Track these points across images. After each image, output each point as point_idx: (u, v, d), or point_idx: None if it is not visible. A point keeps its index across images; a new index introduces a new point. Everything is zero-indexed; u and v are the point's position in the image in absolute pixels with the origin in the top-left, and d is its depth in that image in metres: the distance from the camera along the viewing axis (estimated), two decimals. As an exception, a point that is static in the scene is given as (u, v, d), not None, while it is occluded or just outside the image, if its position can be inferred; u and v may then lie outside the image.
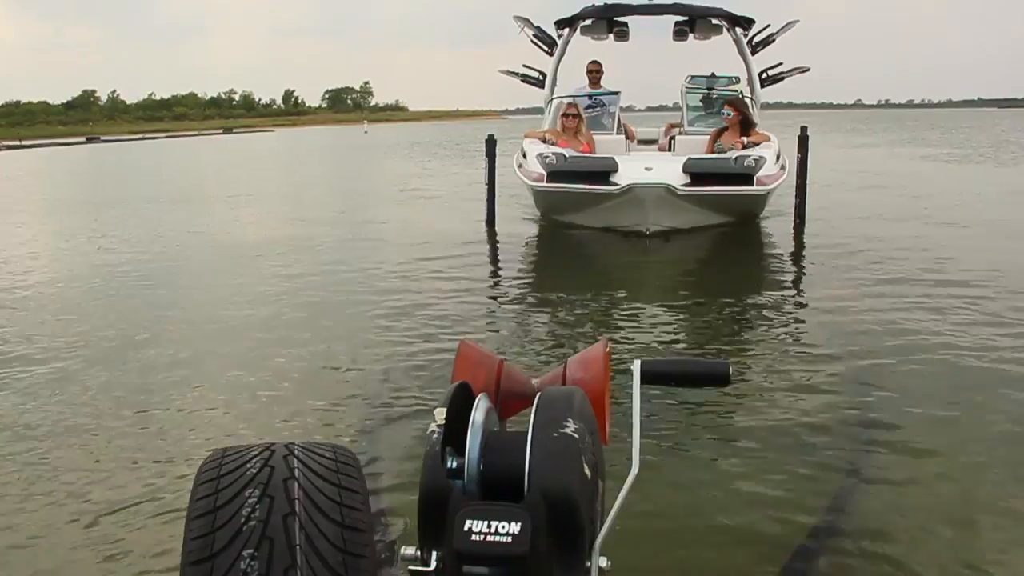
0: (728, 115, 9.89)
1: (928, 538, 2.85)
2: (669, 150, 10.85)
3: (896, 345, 5.02)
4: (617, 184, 8.49)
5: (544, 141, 9.84)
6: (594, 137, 10.18)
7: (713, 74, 11.35)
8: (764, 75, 11.16)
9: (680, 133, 10.95)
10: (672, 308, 6.31)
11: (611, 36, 11.74)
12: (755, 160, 8.79)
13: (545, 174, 8.97)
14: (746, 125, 9.82)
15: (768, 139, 9.68)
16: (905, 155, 25.61)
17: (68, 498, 3.26)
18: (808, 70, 11.47)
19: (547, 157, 9.11)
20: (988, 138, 34.88)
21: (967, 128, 47.71)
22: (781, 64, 11.16)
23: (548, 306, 6.40)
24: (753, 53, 11.25)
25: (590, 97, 10.91)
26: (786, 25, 11.23)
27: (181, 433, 3.86)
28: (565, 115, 10.06)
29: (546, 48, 11.43)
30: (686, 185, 8.51)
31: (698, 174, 8.60)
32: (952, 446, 3.57)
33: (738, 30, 11.32)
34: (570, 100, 10.57)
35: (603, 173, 8.70)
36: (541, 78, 11.42)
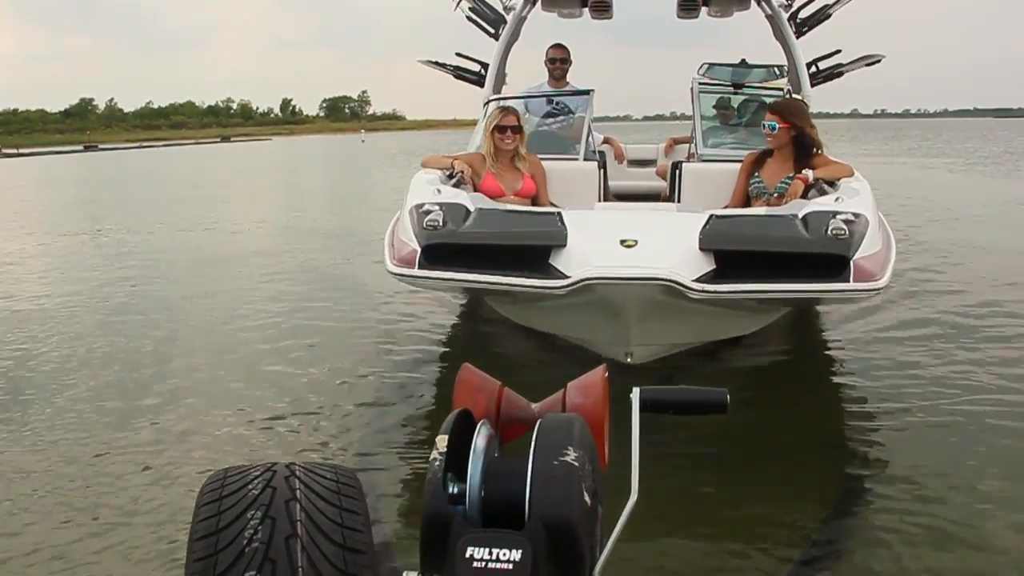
0: (772, 128, 5.37)
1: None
2: (671, 188, 6.23)
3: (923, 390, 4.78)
4: (565, 275, 4.01)
5: (451, 176, 5.56)
6: (545, 165, 5.93)
7: (744, 61, 7.29)
8: (814, 67, 7.10)
9: (690, 159, 6.51)
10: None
11: (587, 10, 7.83)
12: (846, 223, 4.22)
13: (419, 249, 4.39)
14: (803, 146, 5.38)
15: (850, 173, 5.32)
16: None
17: (69, 518, 3.27)
18: (879, 60, 7.07)
19: (429, 213, 4.53)
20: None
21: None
22: (839, 52, 7.08)
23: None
24: (799, 34, 7.18)
25: (550, 101, 6.94)
26: None
27: (182, 452, 3.89)
28: (498, 129, 5.69)
29: (489, 28, 7.48)
30: (707, 279, 4.04)
31: (731, 254, 4.18)
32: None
33: (775, 1, 7.24)
34: (503, 104, 6.26)
35: (536, 251, 4.27)
36: (482, 72, 7.40)
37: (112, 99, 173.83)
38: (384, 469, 3.60)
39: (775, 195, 5.33)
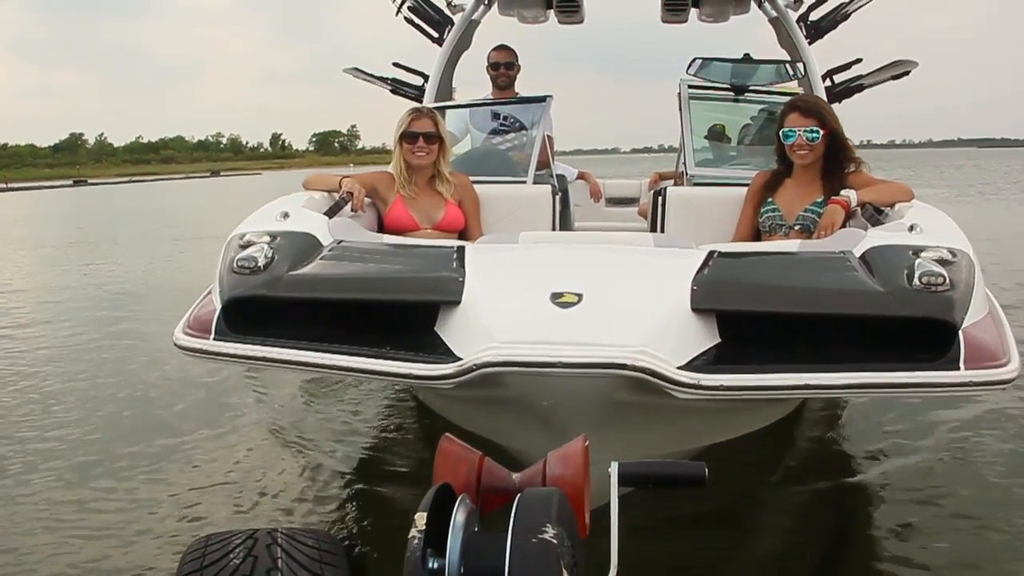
0: (812, 138, 3.92)
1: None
2: (653, 224, 4.80)
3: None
4: (454, 353, 2.36)
5: (339, 201, 3.90)
6: (483, 191, 4.54)
7: (747, 56, 5.61)
8: (829, 80, 5.76)
9: (679, 181, 5.50)
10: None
11: (551, 12, 6.36)
12: (942, 264, 2.61)
13: (217, 308, 2.77)
14: (836, 160, 4.01)
15: (909, 195, 3.76)
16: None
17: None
18: (909, 71, 5.51)
19: (247, 247, 2.94)
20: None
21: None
22: (859, 61, 5.74)
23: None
24: (811, 39, 5.91)
25: (496, 115, 5.59)
26: None
27: (159, 516, 3.71)
28: (406, 137, 4.25)
29: (432, 32, 6.23)
30: (705, 363, 2.36)
31: (747, 318, 2.51)
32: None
33: (781, 1, 5.96)
34: (419, 107, 4.60)
35: (413, 311, 2.62)
36: (422, 85, 6.11)
37: (102, 134, 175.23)
38: (365, 532, 3.46)
39: (796, 228, 3.95)
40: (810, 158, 3.95)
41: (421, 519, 1.20)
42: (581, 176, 6.97)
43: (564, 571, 1.15)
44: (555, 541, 1.15)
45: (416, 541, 1.18)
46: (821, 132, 3.91)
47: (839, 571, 3.24)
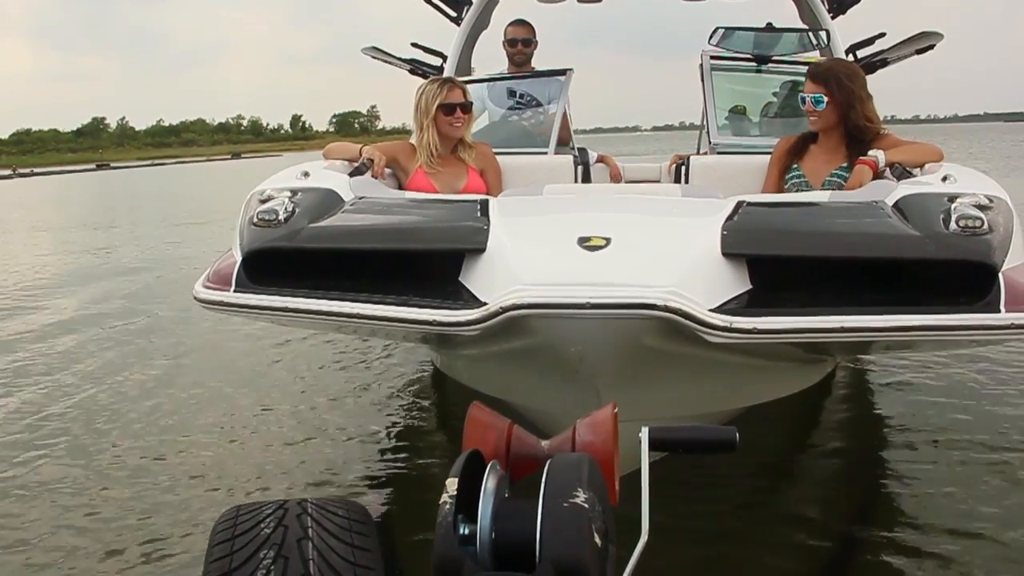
0: (817, 103, 3.85)
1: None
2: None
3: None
4: (478, 299, 2.32)
5: (359, 167, 3.82)
6: (500, 160, 4.43)
7: (770, 26, 5.56)
8: (852, 56, 5.49)
9: (700, 151, 5.40)
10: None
11: None
12: (980, 209, 2.53)
13: (238, 261, 2.73)
14: (857, 127, 3.89)
15: (939, 156, 3.67)
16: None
17: (71, 562, 3.16)
18: (933, 45, 5.27)
19: (268, 201, 2.86)
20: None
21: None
22: (883, 35, 5.50)
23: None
24: (834, 14, 5.82)
25: (512, 92, 5.44)
26: None
27: (192, 487, 3.75)
28: (444, 108, 4.10)
29: (450, 12, 6.16)
30: (737, 306, 2.32)
31: (779, 262, 2.45)
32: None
33: None
34: (448, 77, 4.80)
35: (436, 260, 2.61)
36: (440, 65, 5.98)
37: (124, 118, 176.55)
38: (395, 503, 3.50)
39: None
40: (819, 124, 3.91)
41: (452, 485, 1.19)
42: (601, 160, 6.87)
43: (596, 535, 1.15)
44: (587, 505, 1.15)
45: (447, 506, 1.18)
46: (826, 99, 3.82)
47: (862, 545, 3.24)
